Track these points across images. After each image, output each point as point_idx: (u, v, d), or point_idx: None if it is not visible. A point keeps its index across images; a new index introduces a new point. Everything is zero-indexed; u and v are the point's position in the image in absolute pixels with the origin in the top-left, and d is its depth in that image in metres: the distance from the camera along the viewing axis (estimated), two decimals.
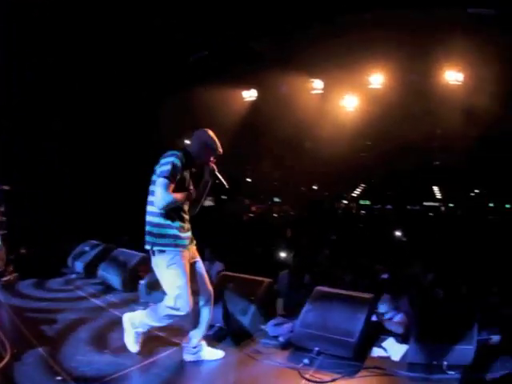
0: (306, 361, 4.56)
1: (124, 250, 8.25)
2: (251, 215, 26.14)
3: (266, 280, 5.84)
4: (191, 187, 4.36)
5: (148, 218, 4.23)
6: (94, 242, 9.25)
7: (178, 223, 4.21)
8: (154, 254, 4.21)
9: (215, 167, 4.50)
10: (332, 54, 12.59)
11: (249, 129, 16.96)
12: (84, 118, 13.03)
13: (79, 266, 8.39)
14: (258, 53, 13.60)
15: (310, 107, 14.92)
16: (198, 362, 4.46)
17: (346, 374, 4.30)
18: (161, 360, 4.53)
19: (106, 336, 5.09)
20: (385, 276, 8.72)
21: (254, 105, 15.97)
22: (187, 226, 4.36)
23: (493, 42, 11.06)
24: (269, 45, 13.48)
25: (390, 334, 5.46)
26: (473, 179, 27.65)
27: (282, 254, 11.61)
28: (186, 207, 4.36)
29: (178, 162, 4.09)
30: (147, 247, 4.22)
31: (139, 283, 6.83)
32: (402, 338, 5.16)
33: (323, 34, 12.20)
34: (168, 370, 4.30)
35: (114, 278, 7.37)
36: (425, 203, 34.65)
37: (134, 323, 4.39)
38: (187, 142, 4.65)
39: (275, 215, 26.65)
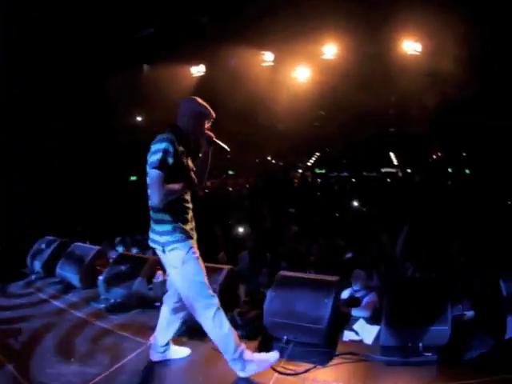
0: (275, 351, 4.36)
1: (80, 244, 7.91)
2: (206, 190, 26.21)
3: (226, 267, 5.74)
4: (193, 169, 4.00)
5: (151, 214, 3.87)
6: (50, 238, 8.83)
7: (182, 216, 3.85)
8: (164, 253, 3.82)
9: (212, 134, 4.08)
10: (282, 25, 12.46)
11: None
12: None
13: (37, 265, 8.04)
14: (205, 27, 13.34)
15: (261, 80, 14.76)
16: (165, 362, 4.31)
17: (319, 363, 4.23)
18: (128, 364, 4.35)
19: (71, 342, 4.88)
20: (349, 255, 8.69)
21: (203, 80, 15.76)
22: (191, 215, 3.98)
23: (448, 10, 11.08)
24: (216, 18, 13.24)
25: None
26: (431, 145, 28.05)
27: (241, 230, 11.44)
28: (187, 196, 3.97)
29: (170, 147, 3.66)
30: (154, 246, 3.89)
31: (98, 279, 6.63)
32: (372, 319, 5.11)
33: (272, 4, 12.03)
34: (136, 374, 4.14)
35: (72, 276, 7.09)
36: (382, 169, 35.07)
37: None
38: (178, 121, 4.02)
39: (230, 189, 26.67)
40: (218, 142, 4.10)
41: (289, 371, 4.11)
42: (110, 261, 7.15)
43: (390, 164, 35.04)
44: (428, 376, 4.01)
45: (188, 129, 3.92)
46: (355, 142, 28.13)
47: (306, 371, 4.10)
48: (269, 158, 33.60)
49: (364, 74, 14.86)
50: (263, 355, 4.04)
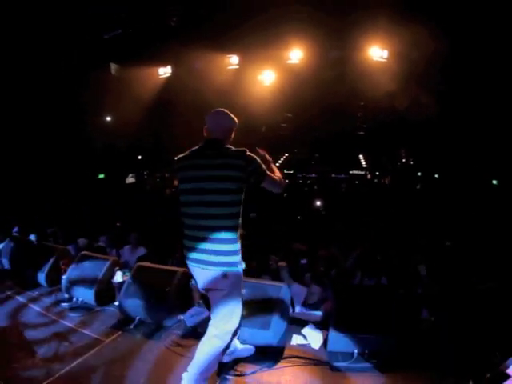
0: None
1: (46, 243, 8.13)
2: (173, 190, 26.17)
3: (180, 270, 5.88)
4: None
5: (205, 234, 3.61)
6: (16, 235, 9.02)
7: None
8: (222, 274, 3.64)
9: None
10: (249, 29, 12.60)
11: (164, 105, 17.01)
12: None
13: (5, 263, 8.13)
14: (174, 29, 13.43)
15: (226, 83, 14.99)
16: (121, 359, 4.54)
17: (265, 366, 4.41)
18: (88, 360, 4.54)
19: (36, 339, 5.06)
20: (303, 261, 8.89)
21: (169, 81, 15.94)
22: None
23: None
24: (184, 21, 13.35)
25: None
26: (399, 149, 28.46)
27: None
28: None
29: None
30: (209, 267, 3.65)
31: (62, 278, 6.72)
32: (321, 325, 5.26)
33: (239, 9, 12.20)
34: (96, 369, 4.33)
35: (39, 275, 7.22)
36: (351, 172, 35.40)
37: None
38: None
39: None
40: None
41: (236, 372, 4.30)
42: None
43: (358, 166, 35.43)
44: (374, 381, 4.16)
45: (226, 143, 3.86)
46: (323, 144, 28.29)
47: (252, 373, 4.28)
48: None
49: (330, 79, 15.12)
50: None
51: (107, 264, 6.49)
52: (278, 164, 35.85)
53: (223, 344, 3.69)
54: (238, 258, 3.64)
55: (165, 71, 15.76)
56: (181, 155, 3.86)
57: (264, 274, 7.42)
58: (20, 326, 5.48)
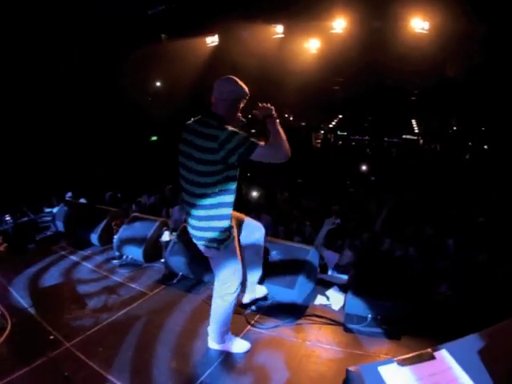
0: (253, 307, 5.19)
1: (99, 206, 8.69)
2: None
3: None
4: None
5: (199, 212, 3.73)
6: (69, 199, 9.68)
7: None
8: (218, 250, 3.84)
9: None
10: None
11: (213, 73, 17.43)
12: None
13: (60, 225, 8.63)
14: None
15: (272, 50, 15.50)
16: (162, 310, 5.11)
17: (287, 321, 4.88)
18: (132, 310, 5.13)
19: (86, 293, 5.67)
20: (337, 221, 9.29)
21: (217, 49, 16.48)
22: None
23: None
24: None
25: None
26: (451, 116, 28.04)
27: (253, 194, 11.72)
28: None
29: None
30: (207, 244, 3.83)
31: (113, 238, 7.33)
32: (344, 288, 5.56)
33: None
34: (137, 319, 4.89)
35: (92, 236, 7.79)
36: (403, 136, 35.11)
37: None
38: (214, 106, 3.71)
39: None
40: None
41: (259, 324, 4.83)
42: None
43: (411, 131, 35.03)
44: (379, 345, 4.43)
45: (229, 117, 3.73)
46: (376, 107, 28.12)
47: (275, 327, 4.78)
48: (286, 116, 33.63)
49: (374, 48, 15.26)
50: (239, 341, 4.38)
51: (156, 224, 7.05)
52: (331, 125, 35.89)
53: (227, 304, 4.04)
54: (223, 234, 3.76)
55: (212, 40, 16.26)
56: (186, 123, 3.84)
57: (296, 236, 7.92)
58: (73, 281, 6.10)
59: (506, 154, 19.68)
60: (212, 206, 3.66)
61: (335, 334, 4.74)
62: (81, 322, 4.82)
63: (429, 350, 1.90)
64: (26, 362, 3.93)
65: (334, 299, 5.50)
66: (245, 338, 4.53)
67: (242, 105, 3.83)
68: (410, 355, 1.88)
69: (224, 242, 3.78)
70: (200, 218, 3.74)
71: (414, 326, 4.60)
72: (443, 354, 1.86)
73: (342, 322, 4.94)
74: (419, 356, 1.86)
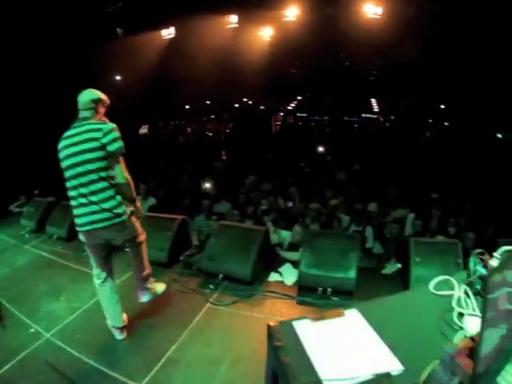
0: (211, 286, 5.64)
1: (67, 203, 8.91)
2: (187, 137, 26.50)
3: (179, 217, 6.85)
4: None
5: (90, 198, 3.90)
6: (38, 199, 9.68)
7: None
8: (124, 223, 4.09)
9: None
10: None
11: (171, 64, 17.69)
12: None
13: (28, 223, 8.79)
14: None
15: (227, 40, 15.76)
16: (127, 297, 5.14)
17: (244, 298, 5.34)
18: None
19: (60, 285, 5.96)
20: (290, 204, 9.75)
21: (173, 41, 16.68)
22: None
23: None
24: None
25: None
26: (411, 94, 28.44)
27: (207, 185, 11.77)
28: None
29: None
30: (105, 224, 3.99)
31: None
32: (296, 265, 5.98)
33: None
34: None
35: (59, 231, 8.03)
36: (364, 115, 35.54)
37: None
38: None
39: (210, 134, 26.87)
40: None
41: (217, 302, 5.26)
42: None
43: (370, 110, 35.39)
44: None
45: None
46: (335, 87, 28.35)
47: (232, 303, 5.22)
48: (245, 100, 33.82)
49: (326, 35, 15.66)
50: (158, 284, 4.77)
51: None
52: (291, 107, 36.17)
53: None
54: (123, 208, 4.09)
55: (169, 32, 16.45)
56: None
57: (247, 219, 8.33)
58: (46, 276, 6.37)
59: (465, 130, 20.24)
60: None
61: (289, 307, 5.21)
62: (57, 313, 5.12)
63: (341, 309, 2.17)
64: (12, 356, 4.24)
65: (287, 275, 5.98)
66: (204, 315, 4.99)
67: (103, 109, 4.20)
68: (323, 314, 2.17)
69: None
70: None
71: (363, 297, 4.90)
72: (353, 313, 2.14)
73: (295, 296, 5.41)
74: (330, 313, 2.15)
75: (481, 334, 1.36)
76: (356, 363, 1.75)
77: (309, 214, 8.83)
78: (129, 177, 4.05)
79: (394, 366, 1.73)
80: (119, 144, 3.94)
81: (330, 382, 1.65)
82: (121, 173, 3.98)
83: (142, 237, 4.36)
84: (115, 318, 4.44)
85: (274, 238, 7.67)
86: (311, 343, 1.90)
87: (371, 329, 1.99)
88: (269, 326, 2.03)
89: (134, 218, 4.24)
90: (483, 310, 1.40)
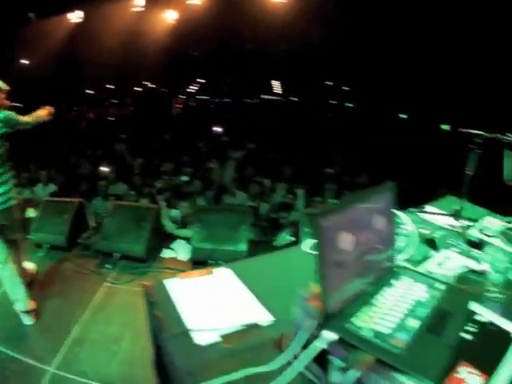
0: (108, 266, 5.79)
1: None
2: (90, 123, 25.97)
3: (77, 200, 6.89)
4: None
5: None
6: None
7: None
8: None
9: None
10: None
11: (79, 46, 17.39)
12: None
13: None
14: None
15: (135, 21, 15.88)
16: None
17: (139, 275, 5.55)
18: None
19: None
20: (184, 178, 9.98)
21: (81, 25, 16.59)
22: None
23: None
24: None
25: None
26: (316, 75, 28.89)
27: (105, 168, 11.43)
28: None
29: None
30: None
31: None
32: (188, 240, 6.25)
33: None
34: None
35: None
36: (263, 96, 35.80)
37: None
38: None
39: (112, 119, 26.44)
40: None
41: (114, 281, 5.44)
42: None
43: (271, 92, 35.69)
44: None
45: None
46: (235, 69, 28.40)
47: (130, 281, 5.41)
48: (147, 84, 33.44)
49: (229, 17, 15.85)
50: None
51: None
52: (193, 90, 35.98)
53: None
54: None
55: (77, 16, 16.44)
56: None
57: (143, 198, 8.47)
58: None
59: (368, 112, 20.89)
60: None
61: None
62: None
63: (210, 268, 2.32)
64: None
65: (181, 251, 6.25)
66: (103, 294, 5.17)
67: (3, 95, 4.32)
68: (192, 272, 2.30)
69: None
70: None
71: None
72: (224, 270, 2.29)
73: (189, 270, 5.56)
74: (199, 271, 2.30)
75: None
76: (225, 315, 1.89)
77: (195, 190, 9.08)
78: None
79: (264, 317, 1.85)
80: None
81: (197, 331, 1.76)
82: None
83: None
84: (23, 300, 4.44)
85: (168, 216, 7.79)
86: (181, 298, 2.05)
87: (242, 284, 2.14)
88: (144, 286, 2.14)
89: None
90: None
